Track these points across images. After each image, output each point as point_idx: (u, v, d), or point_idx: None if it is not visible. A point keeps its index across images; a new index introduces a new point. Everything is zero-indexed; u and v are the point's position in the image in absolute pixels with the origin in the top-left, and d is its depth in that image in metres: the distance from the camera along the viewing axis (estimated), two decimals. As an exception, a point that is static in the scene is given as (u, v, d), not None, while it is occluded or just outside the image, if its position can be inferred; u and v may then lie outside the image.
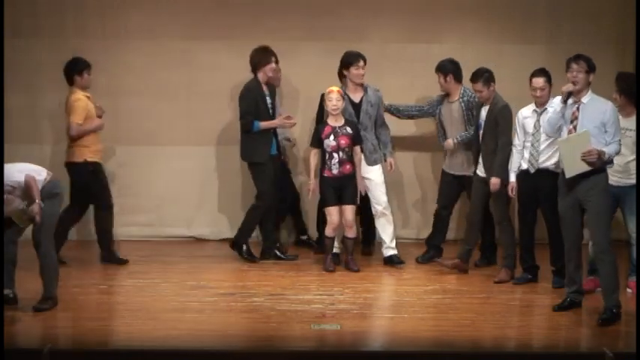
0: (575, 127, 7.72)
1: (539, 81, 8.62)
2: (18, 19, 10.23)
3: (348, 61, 9.44)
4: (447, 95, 9.61)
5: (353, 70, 9.41)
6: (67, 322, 7.70)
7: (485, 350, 7.28)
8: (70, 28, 10.49)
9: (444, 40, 10.48)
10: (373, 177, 9.47)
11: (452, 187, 9.64)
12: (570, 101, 7.77)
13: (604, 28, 10.49)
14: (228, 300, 8.42)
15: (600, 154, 7.58)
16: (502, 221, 9.06)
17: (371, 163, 9.47)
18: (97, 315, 7.89)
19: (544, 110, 8.64)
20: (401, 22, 10.62)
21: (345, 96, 9.36)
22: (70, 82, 9.40)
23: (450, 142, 9.50)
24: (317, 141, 9.30)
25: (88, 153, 9.34)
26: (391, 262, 9.50)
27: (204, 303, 8.27)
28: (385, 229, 9.53)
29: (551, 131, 8.03)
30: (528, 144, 8.70)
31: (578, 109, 7.74)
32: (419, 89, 10.27)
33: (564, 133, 7.81)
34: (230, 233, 10.13)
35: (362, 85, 9.48)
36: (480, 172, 9.09)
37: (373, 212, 9.57)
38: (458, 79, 9.54)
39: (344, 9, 10.60)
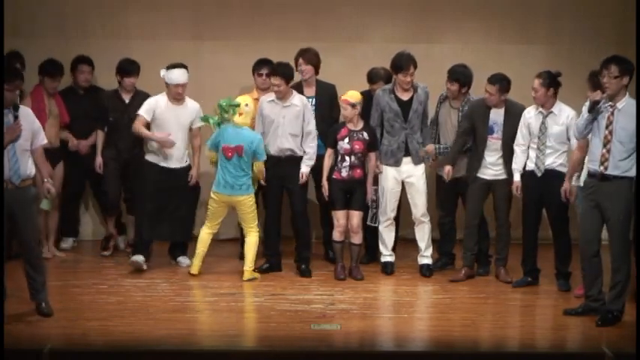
0: (610, 132, 7.59)
1: (534, 82, 8.61)
2: (18, 19, 10.22)
3: (399, 66, 9.00)
4: (446, 98, 9.32)
5: (401, 77, 9.02)
6: (67, 322, 7.69)
7: (486, 350, 7.28)
8: (70, 28, 10.48)
9: (444, 40, 10.48)
10: (416, 181, 9.13)
11: (450, 193, 9.40)
12: (607, 105, 7.62)
13: (604, 29, 10.48)
14: (228, 300, 8.41)
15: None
16: (506, 223, 9.02)
17: (416, 162, 9.12)
18: (97, 315, 7.89)
19: (550, 113, 8.63)
20: (401, 22, 10.61)
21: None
22: None
23: (431, 148, 9.15)
24: (333, 141, 9.12)
25: None
26: (421, 270, 9.25)
27: (204, 303, 8.27)
28: (421, 237, 9.25)
29: (580, 135, 7.92)
30: (534, 145, 8.67)
31: (613, 113, 7.60)
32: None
33: (598, 136, 7.70)
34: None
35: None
36: (483, 175, 8.96)
37: (413, 218, 9.29)
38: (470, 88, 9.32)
39: (344, 9, 10.59)
